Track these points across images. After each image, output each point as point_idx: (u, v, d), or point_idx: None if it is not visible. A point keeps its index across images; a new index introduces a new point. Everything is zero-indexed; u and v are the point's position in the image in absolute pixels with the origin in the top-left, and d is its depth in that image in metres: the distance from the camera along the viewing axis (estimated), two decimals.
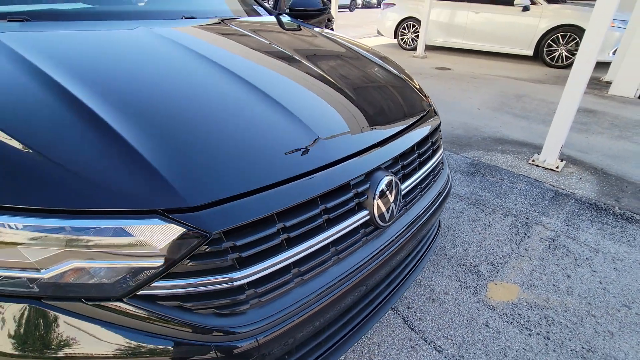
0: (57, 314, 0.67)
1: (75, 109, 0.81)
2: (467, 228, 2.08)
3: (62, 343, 0.67)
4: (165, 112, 0.88)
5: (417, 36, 7.77)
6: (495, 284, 1.69)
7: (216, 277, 0.73)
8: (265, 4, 2.30)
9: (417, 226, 1.15)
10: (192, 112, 0.91)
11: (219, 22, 1.70)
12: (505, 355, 1.35)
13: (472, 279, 1.71)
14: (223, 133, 0.87)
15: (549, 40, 6.39)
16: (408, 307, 1.55)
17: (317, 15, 2.50)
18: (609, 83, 5.20)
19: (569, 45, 6.18)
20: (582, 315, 1.53)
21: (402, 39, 8.28)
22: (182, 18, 1.62)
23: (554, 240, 2.00)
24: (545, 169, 2.79)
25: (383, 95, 1.33)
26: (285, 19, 2.12)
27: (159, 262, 0.69)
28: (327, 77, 1.26)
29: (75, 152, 0.72)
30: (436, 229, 1.57)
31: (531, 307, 1.57)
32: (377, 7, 27.65)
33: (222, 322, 0.74)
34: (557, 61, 6.41)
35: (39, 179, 0.68)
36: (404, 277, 1.25)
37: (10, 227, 0.63)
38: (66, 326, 0.67)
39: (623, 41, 5.26)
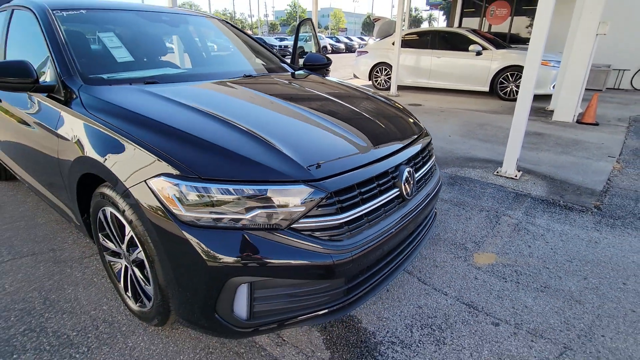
0: (252, 238, 1.24)
1: (243, 132, 1.42)
2: (454, 220, 2.74)
3: (255, 252, 1.23)
4: (284, 131, 1.51)
5: (389, 78, 8.87)
6: (479, 254, 2.32)
7: (330, 217, 1.32)
8: (287, 61, 3.02)
9: (425, 203, 1.78)
10: (297, 130, 1.54)
11: (267, 76, 2.38)
12: (491, 294, 1.96)
13: (461, 252, 2.34)
14: (319, 141, 1.50)
15: (500, 78, 7.56)
16: (419, 271, 2.14)
17: (323, 68, 3.24)
18: (552, 111, 6.26)
19: (517, 82, 7.35)
20: (540, 268, 2.18)
21: (376, 81, 9.36)
22: (243, 76, 2.29)
23: (517, 225, 2.68)
24: (507, 177, 3.54)
25: (396, 121, 2.01)
26: (301, 71, 2.84)
27: (303, 209, 1.28)
28: (359, 110, 1.93)
29: (264, 156, 1.33)
30: (434, 213, 2.20)
31: (505, 266, 2.20)
32: (345, 52, 29.90)
33: (334, 244, 1.32)
34: (509, 95, 7.55)
35: (248, 167, 1.28)
36: (419, 239, 1.86)
37: (234, 191, 1.22)
38: (256, 244, 1.24)
39: (559, 77, 6.41)
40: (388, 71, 8.98)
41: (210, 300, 1.30)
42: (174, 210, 1.24)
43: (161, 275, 1.38)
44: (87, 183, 1.66)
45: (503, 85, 7.57)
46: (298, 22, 3.68)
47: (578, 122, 5.81)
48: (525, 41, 11.49)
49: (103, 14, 2.25)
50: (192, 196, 1.23)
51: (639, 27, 9.15)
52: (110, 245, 1.71)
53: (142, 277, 1.56)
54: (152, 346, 1.59)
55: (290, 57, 3.48)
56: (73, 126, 1.62)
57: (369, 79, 9.47)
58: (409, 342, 1.64)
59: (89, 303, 1.85)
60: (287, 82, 2.32)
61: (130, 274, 1.65)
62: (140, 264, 1.56)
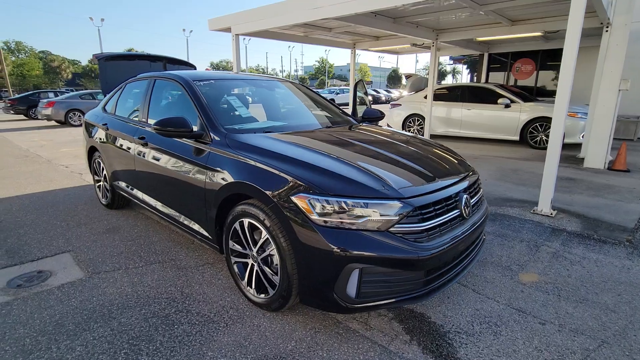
0: (363, 236, 1.78)
1: (348, 163, 2.03)
2: (498, 248, 3.16)
3: (365, 246, 1.77)
4: (375, 164, 2.11)
5: (421, 128, 9.57)
6: (523, 274, 2.72)
7: (415, 225, 1.86)
8: (349, 113, 3.72)
9: (478, 224, 2.28)
10: (385, 164, 2.13)
11: (338, 126, 3.05)
12: (536, 303, 2.35)
13: (508, 272, 2.75)
14: (403, 172, 2.09)
15: (530, 128, 8.06)
16: (473, 285, 2.57)
17: (379, 120, 3.92)
18: (582, 159, 6.63)
19: (546, 131, 7.82)
20: (578, 286, 2.56)
21: (409, 130, 10.07)
22: (324, 127, 2.97)
23: (555, 253, 3.07)
24: (543, 215, 3.94)
25: (452, 160, 2.58)
26: (364, 122, 3.51)
27: (397, 218, 1.82)
28: (422, 151, 2.52)
29: (369, 180, 1.92)
30: (483, 238, 2.67)
31: (547, 283, 2.59)
32: (372, 104, 31.44)
33: (418, 245, 1.83)
34: (539, 144, 7.99)
35: (359, 187, 1.87)
36: (473, 254, 2.33)
37: (350, 204, 1.80)
38: (366, 240, 1.78)
39: (587, 127, 6.85)
40: (420, 122, 9.71)
41: (330, 282, 1.82)
42: (310, 216, 1.82)
43: (290, 265, 1.93)
44: (224, 204, 2.29)
45: (533, 135, 8.05)
46: (354, 83, 4.46)
47: (609, 168, 6.14)
48: (551, 94, 12.06)
49: (224, 82, 3.06)
50: (322, 206, 1.82)
51: None
52: (238, 248, 2.30)
53: (269, 270, 2.11)
54: (272, 325, 2.10)
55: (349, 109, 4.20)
56: (223, 161, 2.29)
57: (402, 129, 10.21)
58: (471, 332, 2.06)
59: (215, 296, 2.40)
60: (359, 130, 2.97)
61: (256, 270, 2.20)
62: (266, 261, 2.12)
